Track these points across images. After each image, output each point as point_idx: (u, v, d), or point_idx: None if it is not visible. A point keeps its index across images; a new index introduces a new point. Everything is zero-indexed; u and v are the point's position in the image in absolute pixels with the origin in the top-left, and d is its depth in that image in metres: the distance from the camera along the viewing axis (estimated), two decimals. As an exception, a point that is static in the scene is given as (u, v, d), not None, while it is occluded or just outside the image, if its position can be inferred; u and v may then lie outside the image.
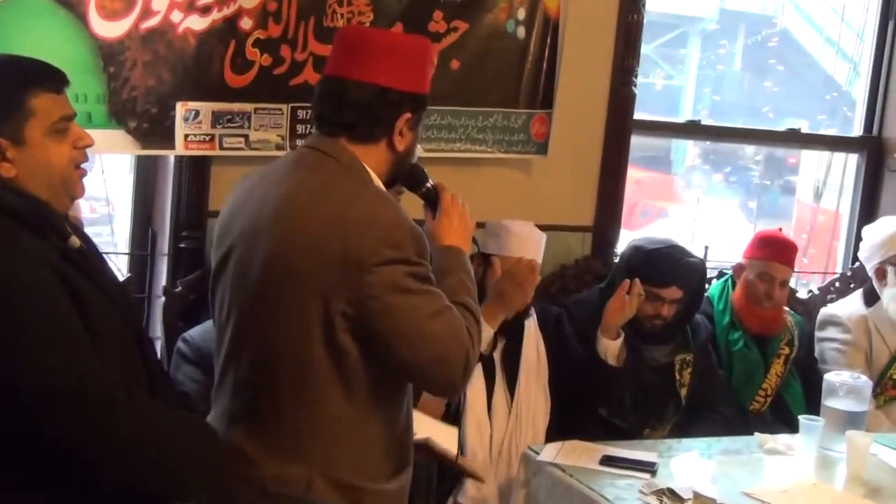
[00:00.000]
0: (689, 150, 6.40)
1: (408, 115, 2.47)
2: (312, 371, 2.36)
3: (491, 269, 3.66)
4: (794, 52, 6.10)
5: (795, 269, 4.81)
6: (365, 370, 2.38)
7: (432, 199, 2.66)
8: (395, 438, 2.50)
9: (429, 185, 2.67)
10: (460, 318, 2.41)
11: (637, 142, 4.71)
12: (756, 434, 3.83)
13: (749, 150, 6.05)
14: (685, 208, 6.06)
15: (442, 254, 2.57)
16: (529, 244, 3.78)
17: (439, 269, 2.52)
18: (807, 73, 6.08)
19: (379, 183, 2.48)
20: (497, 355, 3.73)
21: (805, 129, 5.44)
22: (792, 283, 4.95)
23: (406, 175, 2.64)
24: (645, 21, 4.51)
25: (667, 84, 6.39)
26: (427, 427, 3.03)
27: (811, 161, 5.73)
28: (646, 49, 5.58)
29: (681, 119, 5.17)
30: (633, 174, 6.34)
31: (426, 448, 2.96)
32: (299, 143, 3.65)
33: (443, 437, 3.09)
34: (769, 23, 5.70)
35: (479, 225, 2.76)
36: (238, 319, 2.46)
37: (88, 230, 2.63)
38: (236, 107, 3.68)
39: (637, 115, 4.63)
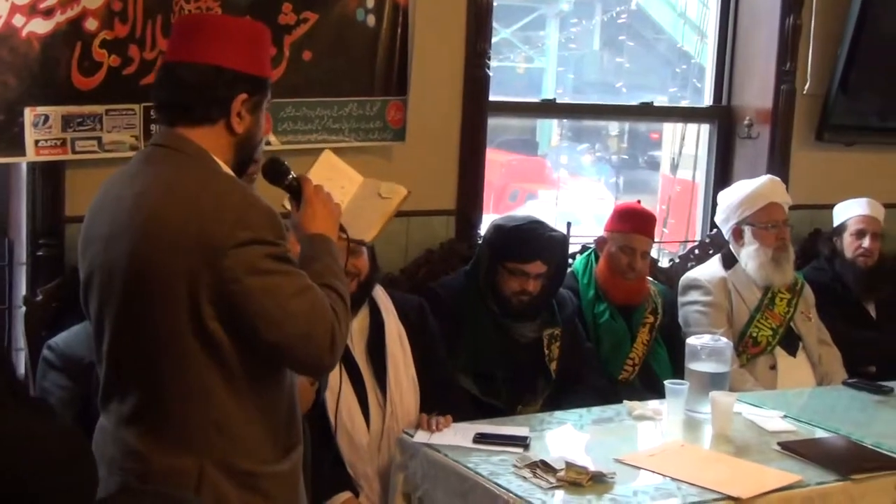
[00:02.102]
0: (553, 131, 6.47)
1: (244, 95, 2.47)
2: (190, 362, 2.37)
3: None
4: (648, 27, 6.21)
5: (657, 240, 4.93)
6: (240, 355, 2.39)
7: (296, 191, 2.67)
8: (281, 419, 2.52)
9: (291, 177, 2.68)
10: (324, 297, 2.42)
11: (502, 124, 4.77)
12: (625, 402, 3.91)
13: (612, 127, 6.15)
14: (553, 188, 6.13)
15: (308, 241, 2.59)
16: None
17: (305, 256, 2.54)
18: (661, 47, 6.19)
19: (228, 170, 2.49)
20: (362, 356, 3.73)
21: (662, 103, 5.56)
22: (654, 254, 5.07)
23: (266, 169, 2.66)
24: (502, 5, 4.54)
25: (529, 67, 6.45)
26: None
27: (670, 134, 5.86)
28: (505, 33, 5.66)
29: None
30: (500, 157, 6.41)
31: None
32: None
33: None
34: (623, 0, 5.80)
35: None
36: (113, 324, 2.45)
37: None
38: (87, 109, 3.63)
39: (499, 98, 4.66)
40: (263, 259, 2.34)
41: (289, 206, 2.69)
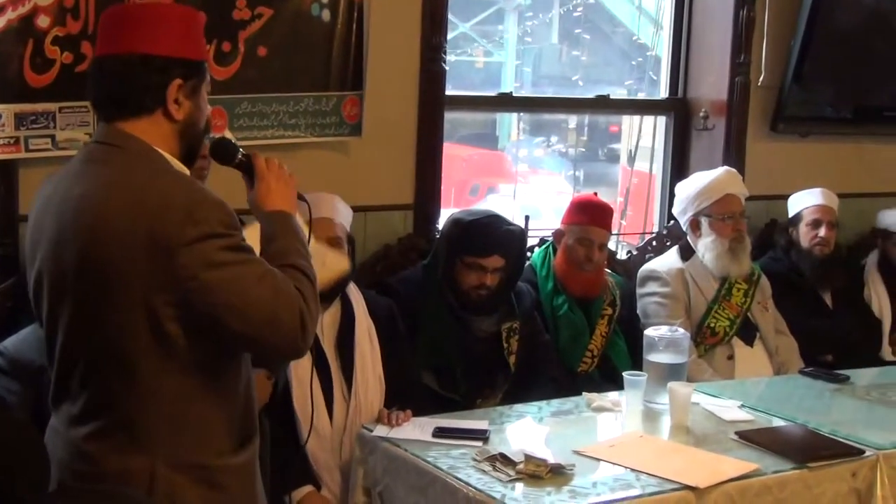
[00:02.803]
0: (513, 125, 6.49)
1: (178, 81, 2.42)
2: (143, 363, 2.34)
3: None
4: (605, 20, 6.23)
5: (616, 232, 4.95)
6: (195, 352, 2.36)
7: (248, 168, 2.61)
8: (237, 412, 2.49)
9: (240, 155, 2.62)
10: (287, 280, 2.39)
11: (461, 119, 4.77)
12: (584, 394, 3.93)
13: (572, 121, 6.17)
14: (513, 182, 6.15)
15: (266, 220, 2.55)
16: (324, 204, 3.77)
17: (264, 236, 2.51)
18: (619, 40, 6.22)
19: (175, 162, 2.45)
20: (331, 349, 3.74)
21: (621, 96, 5.58)
22: (613, 246, 5.09)
23: (215, 150, 2.61)
24: (460, -1, 4.54)
25: (488, 61, 6.46)
26: None
27: (628, 127, 5.89)
28: (463, 27, 5.66)
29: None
30: (460, 152, 6.42)
31: None
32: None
33: None
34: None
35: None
36: (64, 327, 2.42)
37: None
38: (40, 107, 3.60)
39: (458, 93, 4.66)
40: (218, 252, 2.31)
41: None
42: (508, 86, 5.68)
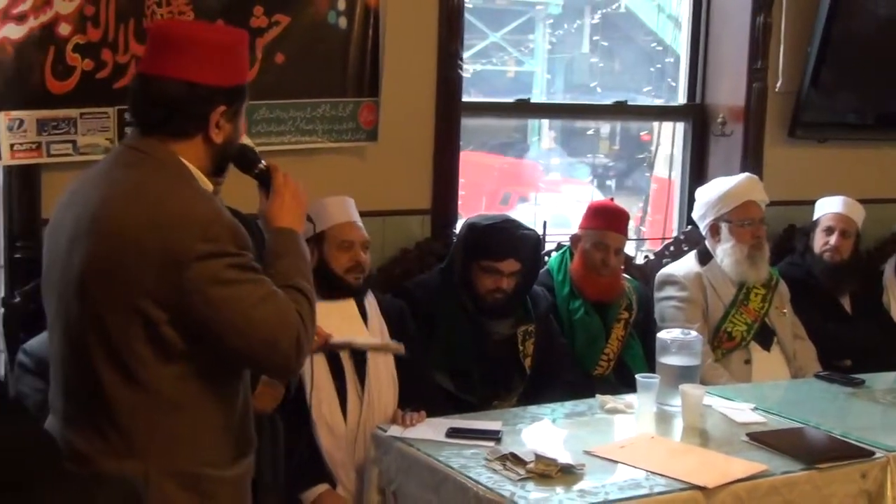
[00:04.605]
0: (544, 134, 6.51)
1: (222, 108, 2.47)
2: (139, 367, 2.38)
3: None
4: (636, 28, 6.25)
5: (637, 237, 4.97)
6: (193, 359, 2.41)
7: (265, 180, 2.65)
8: (232, 425, 2.53)
9: (261, 165, 2.66)
10: (288, 302, 2.44)
11: (492, 128, 4.80)
12: (597, 396, 3.95)
13: (603, 130, 6.20)
14: (545, 191, 6.17)
15: (274, 236, 2.60)
16: (344, 207, 3.89)
17: (272, 252, 2.56)
18: (646, 48, 6.23)
19: (201, 176, 2.49)
20: (344, 350, 3.77)
21: (646, 103, 5.60)
22: (634, 252, 5.11)
23: (236, 157, 2.63)
24: (491, 8, 4.58)
25: (518, 70, 6.49)
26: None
27: (656, 136, 5.91)
28: (494, 37, 5.71)
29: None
30: (492, 161, 6.46)
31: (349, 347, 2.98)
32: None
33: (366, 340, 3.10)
34: (613, 3, 5.86)
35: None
36: (64, 324, 2.47)
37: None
38: (61, 113, 3.67)
39: (474, 99, 4.70)
40: (226, 269, 2.36)
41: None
42: (538, 95, 5.72)
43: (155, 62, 2.47)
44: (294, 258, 2.57)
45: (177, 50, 2.45)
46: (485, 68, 5.72)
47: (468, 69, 4.76)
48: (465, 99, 4.71)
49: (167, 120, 2.45)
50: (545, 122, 6.01)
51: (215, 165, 2.54)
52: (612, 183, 6.31)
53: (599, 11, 5.90)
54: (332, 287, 3.77)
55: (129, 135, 2.58)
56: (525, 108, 5.21)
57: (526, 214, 5.36)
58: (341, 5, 4.18)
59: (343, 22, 4.21)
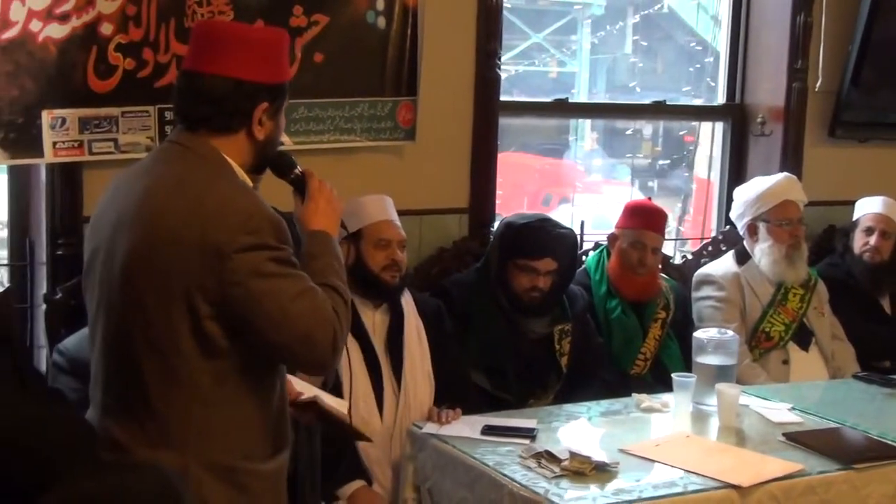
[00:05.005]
0: (587, 136, 6.52)
1: (265, 105, 2.52)
2: (180, 360, 2.41)
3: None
4: (678, 29, 6.24)
5: (675, 237, 4.96)
6: (234, 355, 2.44)
7: (300, 185, 2.70)
8: (270, 420, 2.56)
9: (297, 171, 2.71)
10: (325, 299, 2.48)
11: (534, 129, 4.80)
12: (633, 395, 3.96)
13: (646, 131, 6.20)
14: (587, 192, 6.17)
15: (309, 238, 2.63)
16: (381, 206, 3.90)
17: (307, 253, 2.59)
18: (688, 48, 6.22)
19: (241, 173, 2.54)
20: (381, 346, 3.81)
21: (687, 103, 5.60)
22: (672, 251, 5.10)
23: (273, 162, 2.68)
24: (533, 9, 4.59)
25: (561, 71, 6.50)
26: (316, 393, 3.09)
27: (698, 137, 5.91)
28: (536, 37, 5.72)
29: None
30: (534, 162, 6.48)
31: (314, 406, 2.98)
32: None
33: (332, 402, 3.13)
34: (655, 3, 5.86)
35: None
36: (106, 314, 2.51)
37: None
38: (103, 112, 3.71)
39: (512, 98, 4.71)
40: (266, 262, 2.39)
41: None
42: (580, 96, 5.72)
43: (200, 59, 2.52)
44: (329, 258, 2.61)
45: (222, 47, 2.50)
46: (527, 69, 5.74)
47: (509, 69, 4.77)
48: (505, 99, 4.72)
49: (212, 116, 2.50)
50: (587, 123, 6.02)
51: (256, 162, 2.59)
52: (653, 184, 6.30)
53: (642, 12, 5.90)
54: (369, 285, 3.79)
55: (172, 132, 2.62)
56: (563, 108, 5.21)
57: (566, 215, 5.37)
58: (380, 5, 4.21)
59: (382, 21, 4.23)
